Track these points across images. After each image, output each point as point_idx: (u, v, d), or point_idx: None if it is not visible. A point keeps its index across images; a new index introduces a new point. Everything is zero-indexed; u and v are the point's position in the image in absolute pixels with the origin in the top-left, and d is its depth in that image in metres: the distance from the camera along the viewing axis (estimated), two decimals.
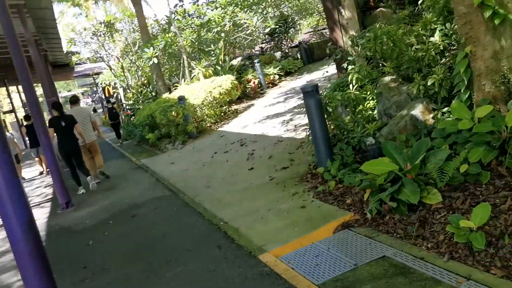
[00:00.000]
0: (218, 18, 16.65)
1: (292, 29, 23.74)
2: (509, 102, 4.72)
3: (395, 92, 6.51)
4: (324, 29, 28.07)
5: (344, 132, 6.56)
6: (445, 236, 3.76)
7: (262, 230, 5.12)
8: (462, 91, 5.00)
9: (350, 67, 7.05)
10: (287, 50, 23.68)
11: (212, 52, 17.31)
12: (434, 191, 4.26)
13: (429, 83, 5.37)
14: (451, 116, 5.41)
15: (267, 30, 17.45)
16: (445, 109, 5.46)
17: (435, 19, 5.70)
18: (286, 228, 4.96)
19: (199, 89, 13.99)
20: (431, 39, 5.59)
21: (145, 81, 21.08)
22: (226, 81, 14.56)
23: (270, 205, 5.83)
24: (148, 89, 20.21)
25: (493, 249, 3.35)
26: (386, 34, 5.76)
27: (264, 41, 23.83)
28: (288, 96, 14.60)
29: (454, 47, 5.61)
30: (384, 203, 4.55)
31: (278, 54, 23.28)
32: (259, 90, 17.20)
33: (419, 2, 8.07)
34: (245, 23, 17.23)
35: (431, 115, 5.66)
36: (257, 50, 23.91)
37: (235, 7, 17.36)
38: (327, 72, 10.96)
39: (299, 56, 22.85)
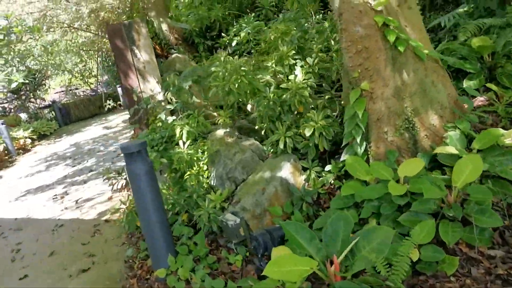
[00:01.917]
0: None
1: (42, 86, 20.14)
2: (418, 154, 3.54)
3: (236, 149, 4.84)
4: (77, 88, 25.13)
5: (177, 209, 4.50)
6: None
7: None
8: (358, 140, 3.63)
9: (170, 118, 5.10)
10: (36, 111, 19.86)
11: None
12: None
13: (307, 133, 3.86)
14: (329, 175, 4.01)
15: (13, 85, 13.84)
16: (320, 168, 4.04)
17: (293, 52, 4.32)
18: None
19: None
20: (292, 77, 4.17)
21: None
22: None
23: None
24: None
25: None
26: (237, 70, 4.08)
27: (6, 100, 19.52)
28: (51, 163, 11.43)
29: (323, 87, 4.34)
30: None
31: (23, 116, 19.27)
32: (6, 158, 13.30)
33: (234, 44, 6.79)
34: None
35: (303, 177, 4.16)
36: None
37: None
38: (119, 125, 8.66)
39: (51, 117, 19.39)
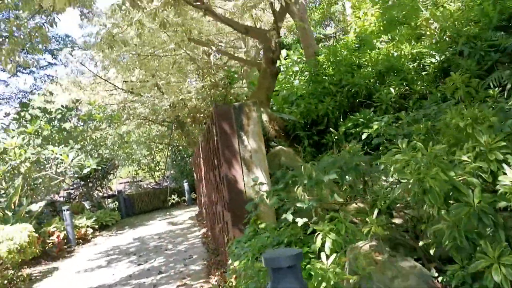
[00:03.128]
0: (20, 148, 12.20)
1: (111, 175, 19.86)
2: None
3: (392, 271, 3.48)
4: (142, 180, 24.85)
5: None
6: None
7: None
8: None
9: (300, 220, 3.87)
10: (100, 200, 19.38)
11: (3, 192, 12.28)
12: None
13: None
14: None
15: (85, 171, 13.37)
16: None
17: (502, 139, 3.07)
18: None
19: None
20: (504, 177, 2.90)
21: None
22: (21, 232, 9.69)
23: None
24: None
25: None
26: (436, 163, 2.86)
27: (73, 186, 19.22)
28: (113, 258, 10.29)
29: None
30: None
31: (87, 204, 18.82)
32: (65, 247, 12.36)
33: (364, 137, 5.70)
34: (57, 158, 13.01)
35: None
36: (62, 196, 19.01)
37: (44, 141, 13.31)
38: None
39: (114, 207, 18.85)
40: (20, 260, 9.58)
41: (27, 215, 12.03)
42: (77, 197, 18.78)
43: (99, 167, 15.44)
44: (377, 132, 5.27)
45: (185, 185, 19.77)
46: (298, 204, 3.85)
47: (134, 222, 16.50)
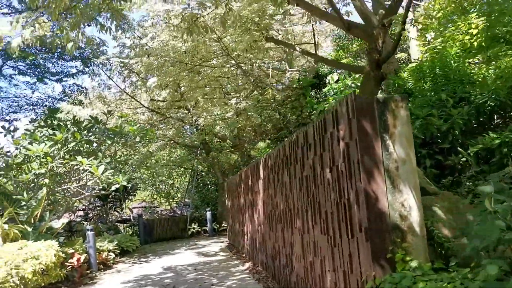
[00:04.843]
0: (47, 156, 10.74)
1: (132, 197, 18.21)
2: None
3: None
4: (157, 206, 23.14)
5: None
6: None
7: None
8: None
9: None
10: (115, 224, 17.70)
11: (24, 204, 10.70)
12: None
13: None
14: None
15: (113, 187, 11.80)
16: None
17: None
18: None
19: None
20: None
21: None
22: (47, 251, 8.14)
23: None
24: None
25: None
26: None
27: (88, 207, 17.59)
28: None
29: None
30: None
31: (101, 226, 17.16)
32: (88, 272, 10.67)
33: None
34: (85, 170, 11.52)
35: None
36: (77, 216, 17.38)
37: (71, 151, 11.82)
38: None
39: (132, 232, 17.19)
40: (42, 284, 7.94)
41: (48, 232, 10.43)
42: (93, 219, 17.12)
43: (129, 185, 13.89)
44: None
45: (208, 214, 18.12)
46: None
47: (156, 249, 14.78)
